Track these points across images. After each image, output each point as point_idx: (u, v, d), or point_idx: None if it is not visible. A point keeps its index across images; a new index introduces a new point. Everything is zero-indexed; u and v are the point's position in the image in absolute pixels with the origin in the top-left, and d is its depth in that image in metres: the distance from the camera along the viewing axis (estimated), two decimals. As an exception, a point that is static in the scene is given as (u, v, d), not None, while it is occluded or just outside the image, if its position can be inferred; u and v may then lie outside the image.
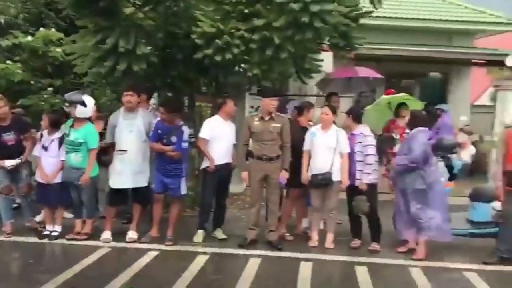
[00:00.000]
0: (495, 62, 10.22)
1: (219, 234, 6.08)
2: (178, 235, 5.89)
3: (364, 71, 8.91)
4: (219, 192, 6.08)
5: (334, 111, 5.97)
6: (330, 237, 5.88)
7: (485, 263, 5.37)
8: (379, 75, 8.96)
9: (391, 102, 7.09)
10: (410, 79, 12.49)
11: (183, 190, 5.87)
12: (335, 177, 5.70)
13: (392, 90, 9.96)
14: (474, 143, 9.84)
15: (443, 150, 5.93)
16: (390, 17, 11.48)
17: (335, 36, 7.06)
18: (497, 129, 7.64)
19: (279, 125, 5.72)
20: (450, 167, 5.93)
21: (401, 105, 6.76)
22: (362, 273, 5.05)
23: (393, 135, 6.60)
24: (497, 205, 5.62)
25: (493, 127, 8.24)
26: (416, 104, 7.47)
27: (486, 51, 11.41)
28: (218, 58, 6.25)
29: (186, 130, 5.80)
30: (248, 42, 6.32)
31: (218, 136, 5.89)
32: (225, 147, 5.93)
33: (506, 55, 8.74)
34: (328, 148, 5.72)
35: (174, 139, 5.67)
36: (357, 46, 7.60)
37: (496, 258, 5.40)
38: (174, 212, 5.90)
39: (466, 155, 9.44)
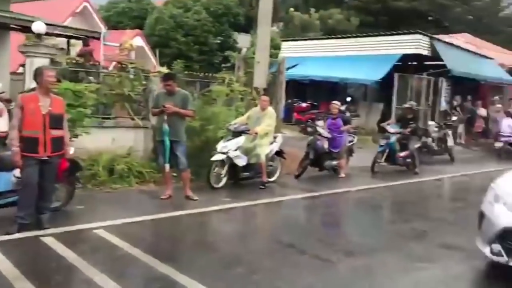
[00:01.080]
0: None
1: None
2: None
3: None
4: None
5: None
6: None
7: (8, 233, 5.21)
8: None
9: None
10: None
11: None
12: None
13: None
14: (10, 111, 9.42)
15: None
16: None
17: None
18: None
19: None
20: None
21: None
22: None
23: None
24: (18, 172, 5.50)
25: (24, 94, 8.02)
26: None
27: (22, 17, 10.99)
28: None
29: None
30: None
31: None
32: None
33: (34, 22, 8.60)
34: None
35: None
36: None
37: (17, 226, 5.30)
38: None
39: (3, 123, 8.96)
